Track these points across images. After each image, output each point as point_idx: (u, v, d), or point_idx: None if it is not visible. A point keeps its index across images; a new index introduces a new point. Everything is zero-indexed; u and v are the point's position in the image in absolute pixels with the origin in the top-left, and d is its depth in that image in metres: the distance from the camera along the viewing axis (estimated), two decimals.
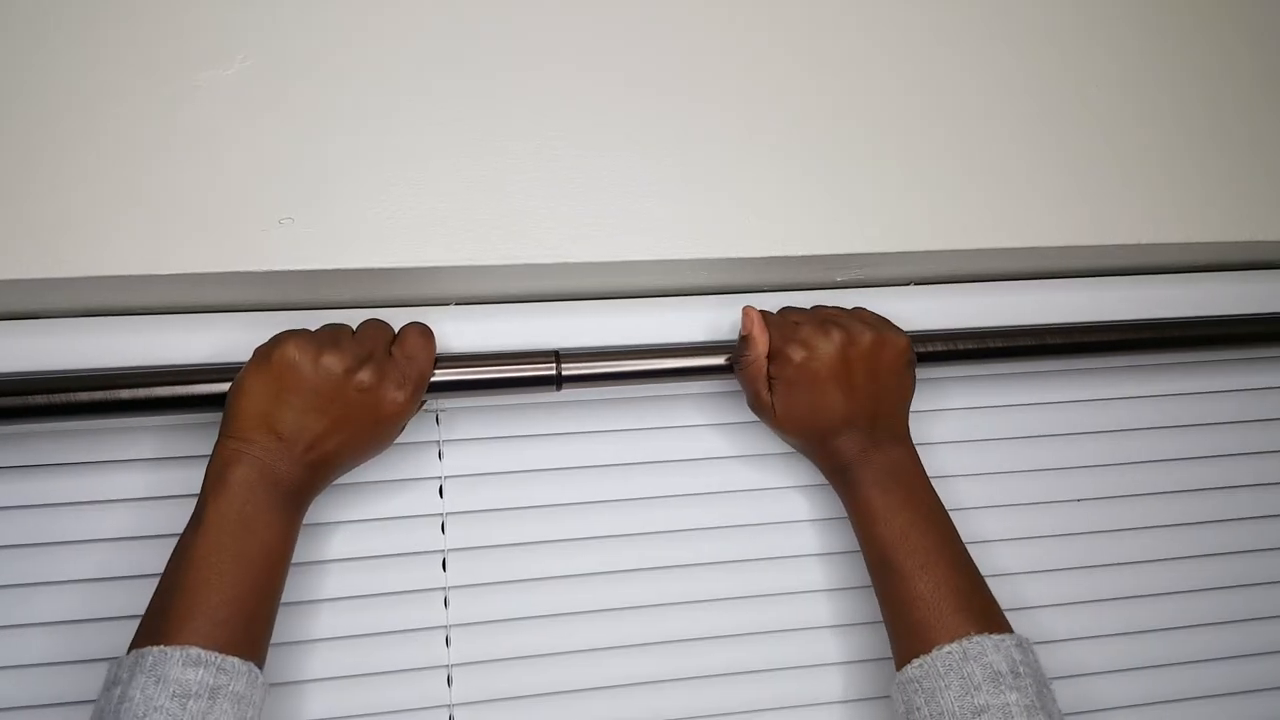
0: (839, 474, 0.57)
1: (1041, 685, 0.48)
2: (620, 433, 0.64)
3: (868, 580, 0.56)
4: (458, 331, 0.60)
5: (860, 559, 0.57)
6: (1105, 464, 0.68)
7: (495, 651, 0.61)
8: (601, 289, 0.63)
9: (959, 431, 0.67)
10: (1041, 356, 0.64)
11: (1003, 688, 0.47)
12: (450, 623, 0.61)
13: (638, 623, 0.62)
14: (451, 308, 0.61)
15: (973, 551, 0.54)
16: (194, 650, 0.45)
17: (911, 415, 0.59)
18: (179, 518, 0.50)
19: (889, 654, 0.54)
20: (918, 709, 0.49)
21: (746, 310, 0.59)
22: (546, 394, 0.61)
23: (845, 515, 0.58)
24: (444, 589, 0.61)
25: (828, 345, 0.56)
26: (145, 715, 0.42)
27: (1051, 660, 0.62)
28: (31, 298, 0.55)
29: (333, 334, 0.54)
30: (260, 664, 0.48)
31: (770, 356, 0.57)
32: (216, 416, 0.53)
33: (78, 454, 0.58)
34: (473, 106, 0.57)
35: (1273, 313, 0.69)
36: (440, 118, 0.57)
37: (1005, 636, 0.49)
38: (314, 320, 0.57)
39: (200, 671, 0.44)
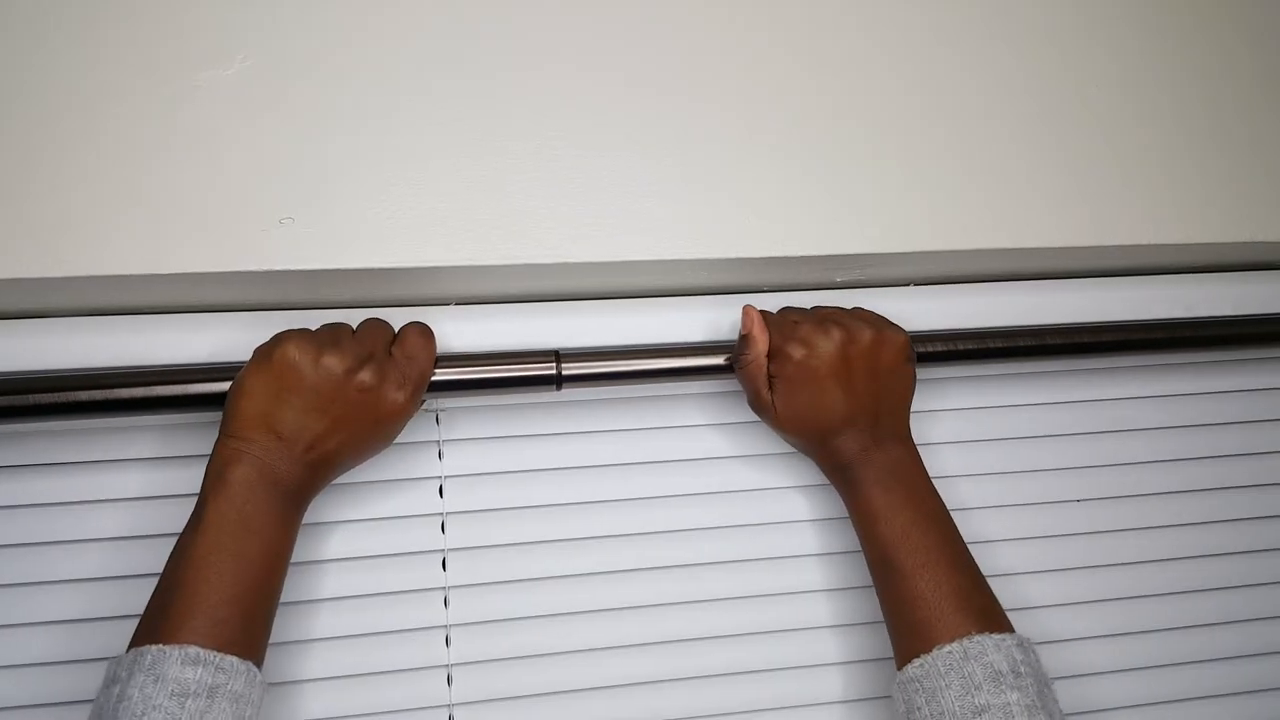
0: (840, 473, 0.57)
1: (1042, 685, 0.48)
2: (620, 433, 0.64)
3: (868, 580, 0.56)
4: (458, 331, 0.60)
5: (860, 559, 0.57)
6: (1105, 464, 0.68)
7: (495, 651, 0.61)
8: (601, 289, 0.63)
9: (959, 431, 0.67)
10: (1041, 357, 0.64)
11: (1004, 687, 0.47)
12: (450, 622, 0.61)
13: (637, 623, 0.62)
14: (451, 308, 0.61)
15: (974, 551, 0.54)
16: (192, 649, 0.45)
17: (912, 415, 0.59)
18: (178, 517, 0.50)
19: (889, 654, 0.54)
20: (918, 708, 0.48)
21: (746, 309, 0.59)
22: (546, 394, 0.61)
23: (845, 515, 0.58)
24: (444, 589, 0.61)
25: (828, 343, 0.56)
26: (143, 714, 0.42)
27: (1053, 660, 0.62)
28: (31, 297, 0.55)
29: (333, 334, 0.54)
30: (259, 663, 0.48)
31: (770, 355, 0.57)
32: (216, 416, 0.53)
33: (78, 453, 0.58)
34: (473, 106, 0.57)
35: (1273, 313, 0.69)
36: (440, 118, 0.57)
37: (1006, 636, 0.49)
38: (314, 320, 0.57)
39: (199, 670, 0.44)
